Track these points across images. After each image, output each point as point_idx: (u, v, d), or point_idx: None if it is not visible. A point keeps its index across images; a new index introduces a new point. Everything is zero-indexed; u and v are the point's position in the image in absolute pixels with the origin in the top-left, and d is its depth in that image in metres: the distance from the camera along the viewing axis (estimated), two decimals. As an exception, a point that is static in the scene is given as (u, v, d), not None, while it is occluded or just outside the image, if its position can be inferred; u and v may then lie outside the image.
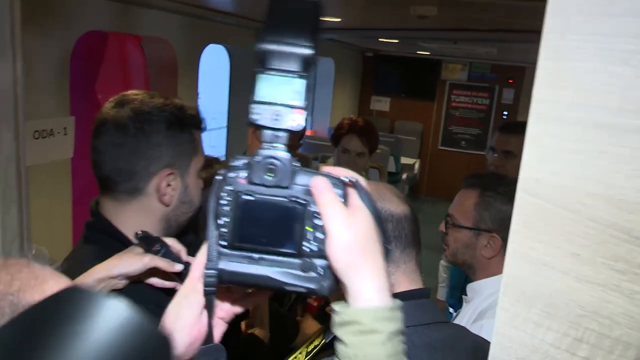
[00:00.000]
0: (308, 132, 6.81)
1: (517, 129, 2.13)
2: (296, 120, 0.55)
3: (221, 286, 0.59)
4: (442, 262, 2.53)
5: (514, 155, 2.05)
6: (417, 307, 0.91)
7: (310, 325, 1.52)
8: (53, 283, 0.48)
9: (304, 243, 0.56)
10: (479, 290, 1.39)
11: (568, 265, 0.53)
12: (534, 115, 0.53)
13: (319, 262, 0.56)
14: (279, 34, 0.55)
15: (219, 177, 0.56)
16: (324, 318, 1.43)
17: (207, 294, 0.60)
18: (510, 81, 7.44)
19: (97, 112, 1.07)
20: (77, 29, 2.77)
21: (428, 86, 7.96)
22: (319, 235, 0.56)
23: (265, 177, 0.55)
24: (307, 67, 0.55)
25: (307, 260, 0.56)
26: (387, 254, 0.60)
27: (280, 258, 0.56)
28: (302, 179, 0.56)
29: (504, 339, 0.58)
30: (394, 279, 0.94)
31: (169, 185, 1.03)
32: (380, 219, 0.60)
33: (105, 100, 1.10)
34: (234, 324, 1.12)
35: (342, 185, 0.57)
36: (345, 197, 0.57)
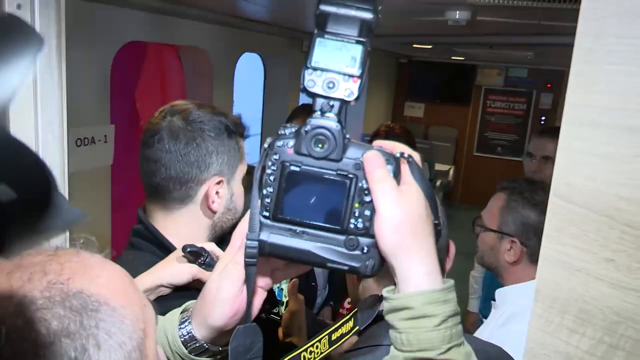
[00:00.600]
0: (341, 139, 6.81)
1: (555, 133, 2.08)
2: (351, 89, 0.52)
3: (261, 258, 0.57)
4: (473, 273, 2.49)
5: (552, 161, 2.01)
6: None
7: None
8: (101, 270, 0.48)
9: (351, 220, 0.53)
10: (505, 296, 1.37)
11: (602, 271, 0.53)
12: (566, 119, 0.53)
13: (364, 240, 0.54)
14: None
15: (265, 146, 0.55)
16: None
17: (247, 264, 0.57)
18: (549, 86, 7.28)
19: (138, 120, 1.10)
20: (117, 40, 2.86)
21: (463, 91, 7.86)
22: (367, 212, 0.53)
23: (314, 148, 0.53)
24: (367, 32, 0.52)
25: (352, 238, 0.54)
26: (438, 235, 0.57)
27: (324, 233, 0.54)
28: (353, 152, 0.54)
29: (538, 346, 0.58)
30: None
31: (217, 192, 1.06)
32: (434, 199, 0.57)
33: (144, 109, 1.13)
34: (271, 331, 1.13)
35: (395, 161, 0.54)
36: (397, 174, 0.54)
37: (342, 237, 0.54)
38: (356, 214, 0.53)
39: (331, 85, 0.52)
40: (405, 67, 8.07)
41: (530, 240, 1.36)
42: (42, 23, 1.09)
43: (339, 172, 0.53)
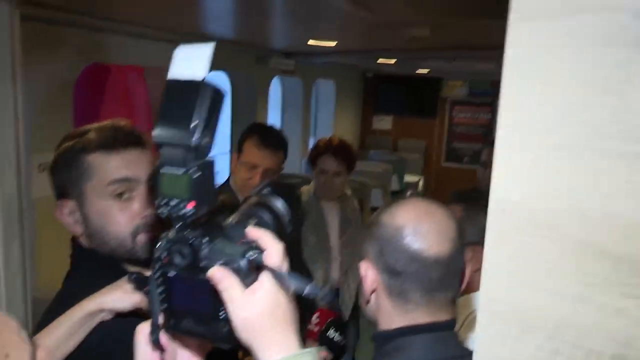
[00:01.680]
0: (311, 154, 6.85)
1: None
2: (187, 211, 0.60)
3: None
4: None
5: None
6: (438, 340, 0.90)
7: None
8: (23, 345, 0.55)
9: (220, 312, 0.64)
10: (464, 305, 1.40)
11: (541, 280, 0.55)
12: (500, 139, 0.56)
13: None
14: (163, 127, 0.59)
15: (153, 254, 0.65)
16: (325, 342, 1.43)
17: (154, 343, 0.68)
18: (511, 95, 7.46)
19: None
20: (78, 63, 2.84)
21: (429, 104, 8.02)
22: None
23: (179, 259, 0.63)
24: (192, 159, 0.59)
25: (225, 325, 0.64)
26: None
27: (207, 319, 0.65)
28: (211, 257, 0.63)
29: (486, 356, 0.60)
30: (410, 317, 0.92)
31: (70, 214, 1.03)
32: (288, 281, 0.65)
33: None
34: (230, 354, 1.12)
35: (246, 262, 0.63)
36: (249, 274, 0.64)
37: (219, 323, 0.65)
38: (222, 309, 0.64)
39: (174, 210, 0.61)
40: (372, 81, 8.19)
41: None
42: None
43: (201, 277, 0.64)
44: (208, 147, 0.60)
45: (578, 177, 0.52)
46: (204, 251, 0.63)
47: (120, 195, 1.00)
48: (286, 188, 0.77)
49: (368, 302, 0.98)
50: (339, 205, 2.59)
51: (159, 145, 0.60)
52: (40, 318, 0.97)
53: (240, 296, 0.62)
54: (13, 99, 1.14)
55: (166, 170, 0.60)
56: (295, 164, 6.11)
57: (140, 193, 1.00)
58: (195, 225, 0.63)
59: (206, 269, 0.63)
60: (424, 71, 7.02)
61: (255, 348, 0.62)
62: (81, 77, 2.90)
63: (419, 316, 0.93)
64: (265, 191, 0.75)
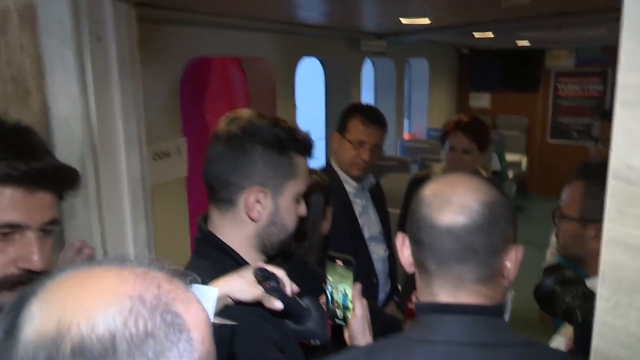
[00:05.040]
0: (406, 136, 6.76)
1: None
2: None
3: None
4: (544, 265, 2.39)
5: None
6: (456, 322, 0.88)
7: None
8: (194, 305, 0.57)
9: None
10: (595, 287, 1.32)
11: (669, 250, 0.52)
12: (619, 101, 0.53)
13: None
14: None
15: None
16: None
17: None
18: (625, 63, 6.84)
19: (208, 132, 1.16)
20: (183, 57, 3.02)
21: (531, 77, 7.56)
22: None
23: None
24: None
25: None
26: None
27: None
28: None
29: (606, 329, 0.58)
30: (430, 290, 0.92)
31: (258, 202, 1.08)
32: None
33: (213, 120, 1.19)
34: (338, 337, 1.15)
35: None
36: None
37: None
38: None
39: None
40: (467, 57, 7.88)
41: None
42: (119, 52, 1.20)
43: None
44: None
45: None
46: None
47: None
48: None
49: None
50: None
51: None
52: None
53: None
54: (134, 93, 1.25)
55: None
56: (390, 145, 6.07)
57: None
58: None
59: None
60: (524, 43, 6.62)
61: None
62: (186, 71, 3.08)
63: (437, 290, 0.91)
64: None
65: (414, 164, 5.19)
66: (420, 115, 7.15)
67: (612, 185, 0.54)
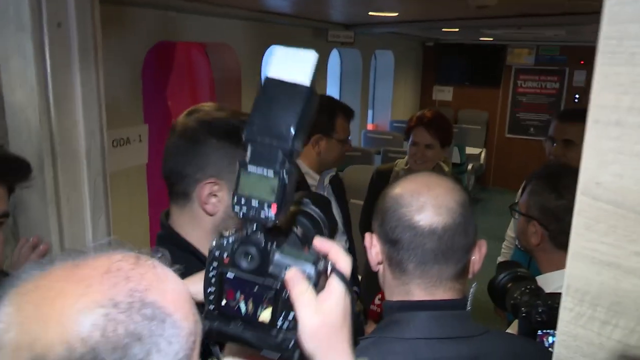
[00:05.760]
0: (369, 127, 6.81)
1: (576, 116, 2.08)
2: (270, 215, 0.58)
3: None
4: (499, 259, 2.48)
5: (574, 144, 2.01)
6: (434, 319, 0.90)
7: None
8: (171, 284, 0.56)
9: (279, 320, 0.61)
10: (545, 283, 1.37)
11: (633, 264, 0.54)
12: (592, 120, 0.54)
13: (291, 335, 0.61)
14: (258, 124, 0.58)
15: (210, 250, 0.63)
16: None
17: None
18: (582, 62, 7.09)
19: (170, 119, 1.12)
20: (147, 41, 2.93)
21: (493, 73, 7.73)
22: (291, 315, 0.61)
23: (244, 262, 0.61)
24: (285, 162, 0.58)
25: (280, 333, 0.61)
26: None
27: (259, 325, 0.62)
28: (279, 263, 0.61)
29: (569, 338, 0.60)
30: (406, 289, 0.93)
31: (214, 195, 1.05)
32: (351, 291, 0.65)
33: (175, 107, 1.15)
34: None
35: (316, 271, 0.61)
36: (317, 283, 0.61)
37: (273, 330, 0.62)
38: (282, 316, 0.61)
39: (254, 212, 0.59)
40: (432, 50, 7.97)
41: (551, 224, 1.37)
42: (80, 38, 1.15)
43: (266, 283, 0.61)
44: (298, 153, 0.59)
45: (678, 160, 0.50)
46: (273, 257, 0.61)
47: None
48: (322, 198, 0.76)
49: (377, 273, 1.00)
50: None
51: (247, 141, 0.59)
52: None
53: (315, 302, 0.60)
54: (96, 81, 1.20)
55: (254, 169, 0.58)
56: (354, 136, 6.10)
57: None
58: (266, 229, 0.61)
59: (273, 274, 0.61)
60: (488, 38, 6.75)
61: (320, 357, 0.60)
62: (149, 55, 2.99)
63: (414, 289, 0.92)
64: (304, 201, 0.74)
65: (377, 155, 5.23)
66: (385, 106, 7.21)
67: (581, 200, 0.55)
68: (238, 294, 0.62)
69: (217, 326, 0.63)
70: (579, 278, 0.58)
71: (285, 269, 0.61)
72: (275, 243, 0.62)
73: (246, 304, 0.61)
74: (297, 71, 0.58)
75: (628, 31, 0.50)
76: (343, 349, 0.62)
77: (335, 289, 0.62)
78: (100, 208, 1.25)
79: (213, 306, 0.63)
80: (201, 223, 1.08)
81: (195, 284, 0.98)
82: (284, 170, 0.57)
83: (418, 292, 0.93)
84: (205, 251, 1.13)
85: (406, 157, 2.63)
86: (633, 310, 0.55)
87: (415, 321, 0.90)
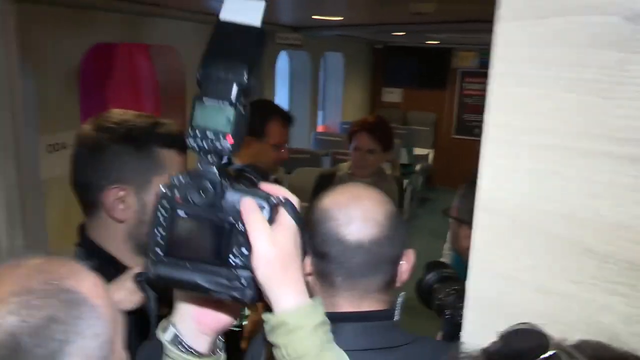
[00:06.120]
0: (320, 128, 6.84)
1: None
2: (225, 146, 0.59)
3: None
4: (442, 259, 2.54)
5: None
6: (359, 330, 0.90)
7: None
8: (85, 275, 0.58)
9: (230, 257, 0.61)
10: None
11: (528, 278, 0.56)
12: (487, 138, 0.56)
13: (243, 273, 0.61)
14: (213, 62, 0.60)
15: (158, 192, 0.63)
16: None
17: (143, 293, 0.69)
18: (523, 66, 7.36)
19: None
20: (82, 43, 2.83)
21: (440, 75, 7.92)
22: (244, 251, 0.61)
23: (198, 197, 0.61)
24: (240, 95, 0.60)
25: (232, 271, 0.61)
26: (303, 256, 0.67)
27: (208, 267, 0.62)
28: (231, 198, 0.61)
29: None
30: (333, 301, 0.93)
31: (121, 201, 1.03)
32: (304, 234, 0.66)
33: (117, 109, 1.12)
34: (232, 343, 1.13)
35: (270, 206, 0.62)
36: (272, 216, 0.62)
37: (223, 271, 0.61)
38: (235, 252, 0.61)
39: (210, 143, 0.60)
40: (381, 52, 8.09)
41: None
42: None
43: (220, 217, 0.61)
44: (251, 91, 0.60)
45: (564, 178, 0.53)
46: (226, 193, 0.61)
47: None
48: (262, 170, 0.77)
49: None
50: (373, 184, 2.59)
51: (202, 79, 0.60)
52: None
53: (270, 232, 0.61)
54: (8, 86, 1.15)
55: (209, 101, 0.59)
56: (304, 138, 6.11)
57: None
58: (220, 166, 0.61)
59: (227, 209, 0.60)
60: (435, 42, 6.91)
61: (272, 289, 0.61)
62: (86, 57, 2.89)
63: (341, 301, 0.93)
64: (246, 168, 0.74)
65: (326, 157, 5.26)
66: (335, 108, 7.26)
67: (479, 217, 0.57)
68: (190, 232, 0.62)
69: (165, 272, 0.63)
70: (479, 291, 0.60)
71: (239, 203, 0.61)
72: (228, 181, 0.62)
73: (199, 243, 0.61)
74: (248, 14, 0.61)
75: (518, 54, 0.52)
76: (296, 280, 0.63)
77: (287, 220, 0.63)
78: (16, 220, 1.19)
79: (161, 250, 0.62)
80: (114, 231, 1.06)
81: (114, 292, 0.95)
82: (239, 102, 0.59)
83: (345, 305, 0.93)
84: (124, 259, 1.11)
85: (349, 161, 2.65)
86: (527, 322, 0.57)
87: (341, 333, 0.91)
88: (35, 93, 2.55)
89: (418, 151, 7.03)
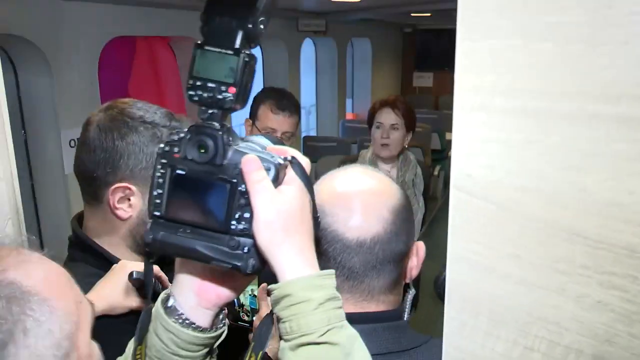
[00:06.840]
0: (349, 116, 6.74)
1: None
2: (229, 97, 0.54)
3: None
4: None
5: None
6: (364, 334, 0.80)
7: None
8: (37, 265, 0.54)
9: (232, 221, 0.56)
10: None
11: (506, 269, 0.48)
12: (458, 104, 0.47)
13: (245, 240, 0.56)
14: (216, 7, 0.54)
15: (157, 151, 0.58)
16: None
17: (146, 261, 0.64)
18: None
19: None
20: (100, 37, 2.84)
21: (472, 57, 7.67)
22: (246, 214, 0.55)
23: (197, 153, 0.55)
24: (245, 42, 0.54)
25: (234, 238, 0.56)
26: (317, 226, 0.61)
27: (209, 233, 0.57)
28: (234, 158, 0.56)
29: (455, 350, 0.54)
30: None
31: (127, 199, 0.97)
32: (313, 197, 0.60)
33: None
34: (241, 339, 1.08)
35: (274, 165, 0.56)
36: (277, 177, 0.56)
37: (225, 237, 0.56)
38: (237, 216, 0.56)
39: (211, 94, 0.55)
40: (410, 36, 7.90)
41: None
42: None
43: (220, 177, 0.56)
44: (258, 41, 0.55)
45: (545, 147, 0.44)
46: (228, 151, 0.56)
47: None
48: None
49: None
50: (397, 170, 2.45)
51: (204, 26, 0.55)
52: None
53: (272, 191, 0.55)
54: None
55: (211, 50, 0.54)
56: (332, 126, 6.03)
57: None
58: (222, 119, 0.56)
59: (229, 168, 0.55)
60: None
61: (274, 256, 0.55)
62: (104, 52, 2.90)
63: (344, 304, 0.83)
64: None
65: (353, 144, 5.16)
66: (364, 95, 7.14)
67: (454, 195, 0.49)
68: (190, 193, 0.57)
69: (163, 237, 0.58)
70: (459, 283, 0.51)
71: (240, 161, 0.56)
72: (230, 138, 0.56)
73: (199, 205, 0.56)
74: None
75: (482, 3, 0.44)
76: (302, 247, 0.57)
77: (294, 180, 0.58)
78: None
79: (159, 212, 0.58)
80: (115, 228, 1.00)
81: (104, 289, 0.91)
82: (245, 51, 0.54)
83: (348, 307, 0.83)
84: (120, 256, 1.06)
85: (371, 147, 2.52)
86: (511, 320, 0.49)
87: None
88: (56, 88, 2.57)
89: (450, 136, 6.82)
